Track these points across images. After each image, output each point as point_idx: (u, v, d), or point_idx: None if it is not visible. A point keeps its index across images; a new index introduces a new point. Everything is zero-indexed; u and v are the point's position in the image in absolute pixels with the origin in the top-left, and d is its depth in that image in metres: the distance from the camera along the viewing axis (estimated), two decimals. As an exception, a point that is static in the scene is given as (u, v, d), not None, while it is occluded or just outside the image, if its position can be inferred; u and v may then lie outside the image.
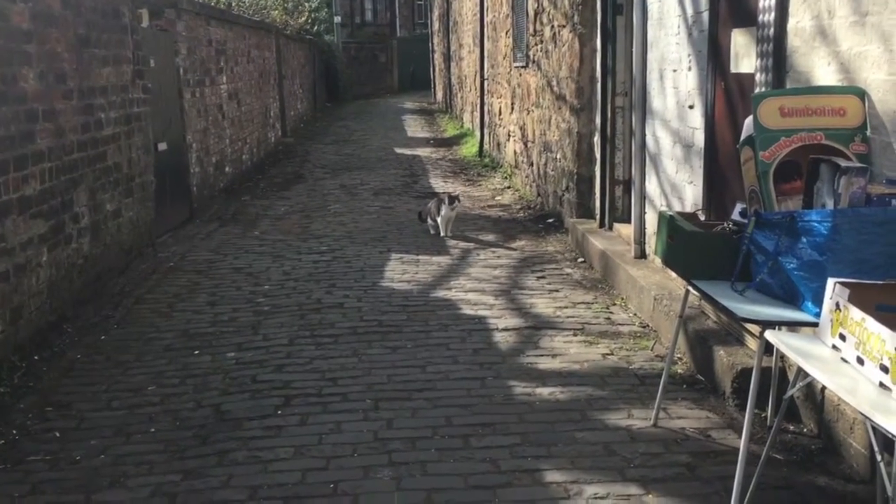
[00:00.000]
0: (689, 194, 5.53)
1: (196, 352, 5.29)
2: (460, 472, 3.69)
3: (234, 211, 10.20)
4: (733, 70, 4.83)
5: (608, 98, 7.34)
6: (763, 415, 4.04)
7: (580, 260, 7.38)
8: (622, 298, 6.15)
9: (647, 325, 5.54)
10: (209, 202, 10.49)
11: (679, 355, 4.92)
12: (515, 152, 11.66)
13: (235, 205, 10.62)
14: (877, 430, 2.36)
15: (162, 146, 8.66)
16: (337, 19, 33.03)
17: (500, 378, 4.75)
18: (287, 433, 4.12)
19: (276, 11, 19.43)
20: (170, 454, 3.93)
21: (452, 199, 8.57)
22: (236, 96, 12.82)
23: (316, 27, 25.82)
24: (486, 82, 14.68)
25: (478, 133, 15.46)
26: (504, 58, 12.49)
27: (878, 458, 2.56)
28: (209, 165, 10.87)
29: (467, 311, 6.02)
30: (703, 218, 4.27)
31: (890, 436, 2.22)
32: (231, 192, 11.50)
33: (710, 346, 4.59)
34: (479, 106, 15.32)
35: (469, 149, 15.73)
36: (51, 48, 5.95)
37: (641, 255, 6.40)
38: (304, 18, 22.60)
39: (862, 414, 2.38)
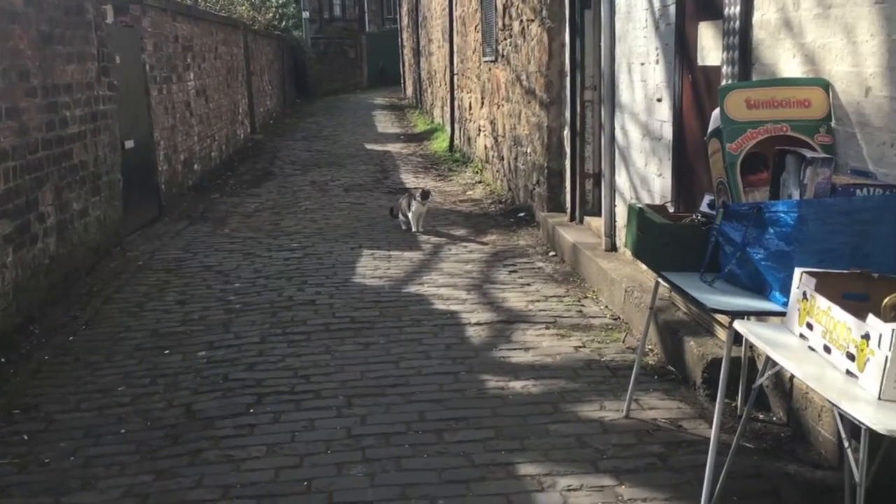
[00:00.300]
0: (659, 187, 5.57)
1: (166, 351, 5.24)
2: (434, 466, 3.70)
3: (203, 209, 10.11)
4: (700, 63, 4.86)
5: (577, 92, 7.37)
6: (733, 404, 4.09)
7: (551, 253, 7.40)
8: (593, 291, 6.19)
9: (619, 318, 5.58)
10: (178, 200, 10.39)
11: (650, 347, 4.95)
12: (486, 147, 11.67)
13: (205, 202, 10.53)
14: (844, 418, 2.39)
15: (129, 144, 8.56)
16: (305, 15, 32.79)
17: (472, 372, 4.75)
18: (259, 431, 4.10)
19: (243, 7, 19.26)
20: (141, 455, 3.89)
21: (424, 194, 8.56)
22: (204, 93, 12.70)
23: (284, 23, 25.62)
24: (455, 77, 14.67)
25: (448, 128, 15.45)
26: (473, 52, 12.49)
27: (846, 444, 2.60)
28: (177, 163, 10.77)
29: (440, 306, 6.02)
30: (672, 210, 4.30)
31: (857, 423, 2.26)
32: (200, 190, 11.40)
33: (680, 338, 4.63)
34: (449, 101, 15.31)
35: (439, 144, 15.72)
36: (13, 45, 5.85)
37: (612, 247, 6.44)
38: (271, 14, 22.41)
39: (829, 401, 2.41)
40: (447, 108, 15.63)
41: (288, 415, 4.27)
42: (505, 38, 9.86)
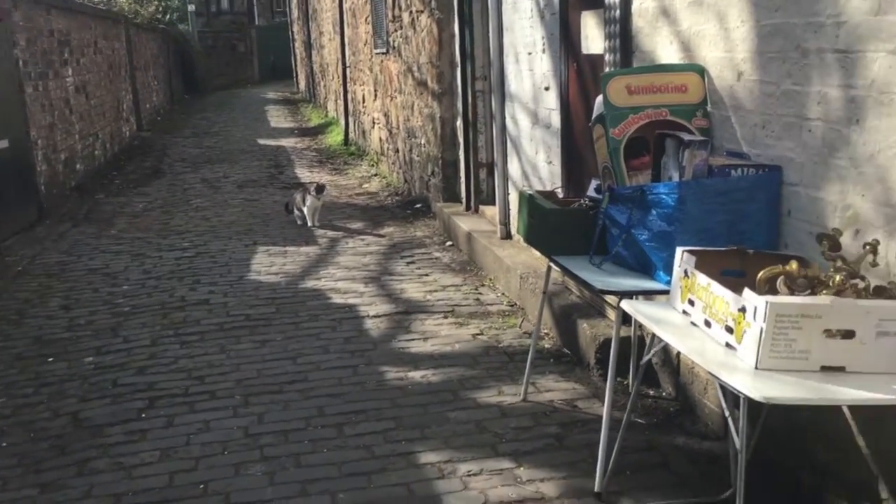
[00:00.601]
0: (549, 173, 5.67)
1: (50, 359, 5.01)
2: (334, 461, 3.67)
3: (87, 210, 9.71)
4: (585, 51, 4.97)
5: (468, 82, 7.42)
6: (625, 382, 4.20)
7: (448, 243, 7.45)
8: (490, 279, 6.25)
9: (515, 304, 5.66)
10: (60, 202, 9.94)
11: (546, 331, 5.04)
12: (381, 139, 11.63)
13: (89, 203, 10.12)
14: (726, 389, 2.49)
15: (2, 144, 8.14)
16: (191, 7, 31.86)
17: (372, 364, 4.73)
18: (152, 436, 3.97)
19: (124, 0, 18.57)
20: (24, 468, 3.72)
21: (318, 188, 8.48)
22: (84, 89, 12.19)
23: (168, 16, 24.85)
24: (348, 70, 14.55)
25: (342, 121, 15.32)
26: (365, 45, 12.41)
27: (727, 413, 2.71)
28: (58, 163, 10.30)
29: (337, 299, 5.97)
30: (561, 195, 4.38)
31: (735, 392, 2.35)
32: (84, 191, 10.94)
33: (573, 320, 4.73)
34: (342, 94, 15.17)
35: (334, 137, 15.57)
36: None
37: (507, 235, 6.52)
38: (153, 7, 21.69)
39: (711, 373, 2.51)
40: (341, 102, 15.49)
41: (182, 417, 4.16)
42: (395, 30, 9.83)
